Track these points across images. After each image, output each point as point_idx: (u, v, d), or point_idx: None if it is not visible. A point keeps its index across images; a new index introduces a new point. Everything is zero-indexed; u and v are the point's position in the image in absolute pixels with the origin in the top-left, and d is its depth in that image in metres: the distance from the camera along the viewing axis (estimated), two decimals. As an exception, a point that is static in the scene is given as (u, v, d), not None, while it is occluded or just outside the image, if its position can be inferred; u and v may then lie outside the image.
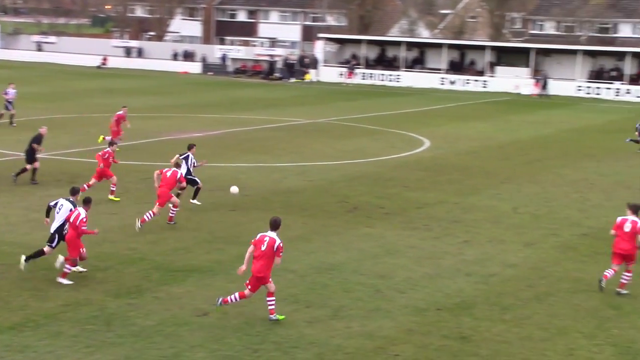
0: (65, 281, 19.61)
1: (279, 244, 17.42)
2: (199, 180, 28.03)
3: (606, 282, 20.50)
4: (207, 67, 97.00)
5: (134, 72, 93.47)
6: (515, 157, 41.80)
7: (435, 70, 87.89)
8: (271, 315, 17.76)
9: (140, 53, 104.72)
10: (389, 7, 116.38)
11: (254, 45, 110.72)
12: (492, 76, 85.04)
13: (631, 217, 20.72)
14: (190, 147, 28.01)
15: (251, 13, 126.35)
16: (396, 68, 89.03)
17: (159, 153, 37.28)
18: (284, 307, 18.53)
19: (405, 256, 23.18)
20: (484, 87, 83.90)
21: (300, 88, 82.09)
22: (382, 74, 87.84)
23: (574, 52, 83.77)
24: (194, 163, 27.75)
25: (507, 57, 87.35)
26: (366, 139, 46.06)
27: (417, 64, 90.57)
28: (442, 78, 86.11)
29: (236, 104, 63.08)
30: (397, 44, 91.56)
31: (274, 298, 17.74)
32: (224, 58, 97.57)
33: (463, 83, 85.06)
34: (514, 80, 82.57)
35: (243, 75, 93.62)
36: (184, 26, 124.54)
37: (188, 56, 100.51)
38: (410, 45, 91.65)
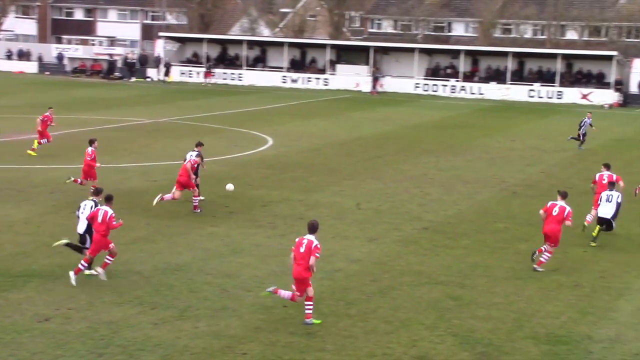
0: (102, 273, 20.23)
1: (316, 244, 17.78)
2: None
3: (540, 268, 22.45)
4: (43, 66, 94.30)
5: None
6: (357, 153, 42.46)
7: (277, 68, 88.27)
8: (307, 320, 17.93)
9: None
10: (229, 5, 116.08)
11: (93, 44, 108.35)
12: (333, 74, 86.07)
13: (560, 203, 22.71)
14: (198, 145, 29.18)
15: (88, 11, 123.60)
16: (238, 67, 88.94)
17: (-5, 155, 36.02)
18: (128, 309, 18.27)
19: (251, 255, 23.22)
20: (325, 85, 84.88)
21: (141, 87, 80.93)
22: (224, 73, 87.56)
23: (411, 50, 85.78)
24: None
25: (347, 55, 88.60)
26: (209, 138, 45.76)
27: (258, 62, 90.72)
28: (284, 76, 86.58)
29: (75, 104, 61.59)
30: (239, 42, 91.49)
31: (312, 303, 17.92)
32: (60, 57, 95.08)
33: (304, 81, 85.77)
34: (354, 78, 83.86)
35: (82, 75, 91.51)
36: (18, 24, 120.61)
37: (23, 55, 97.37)
38: (252, 44, 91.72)
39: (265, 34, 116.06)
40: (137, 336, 16.89)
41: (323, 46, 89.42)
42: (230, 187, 27.84)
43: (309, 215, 27.99)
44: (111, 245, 20.35)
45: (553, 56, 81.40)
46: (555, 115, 66.24)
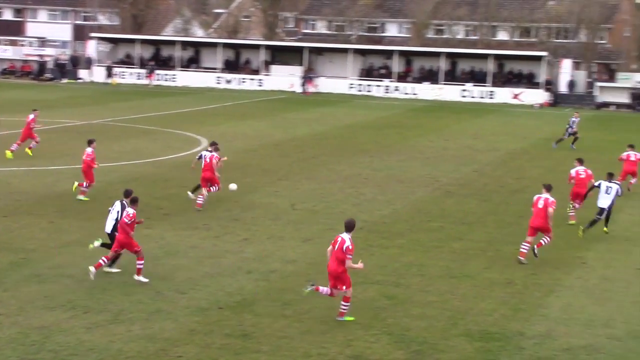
0: (142, 279, 20.60)
1: (348, 245, 18.10)
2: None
3: (524, 260, 23.37)
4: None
5: None
6: (292, 154, 42.48)
7: (211, 69, 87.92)
8: (339, 317, 18.47)
9: None
10: (162, 6, 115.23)
11: (22, 45, 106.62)
12: (267, 75, 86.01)
13: (544, 195, 23.81)
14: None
15: (18, 12, 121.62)
16: (171, 67, 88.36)
17: None
18: (60, 314, 18.04)
19: (186, 257, 23.09)
20: (260, 85, 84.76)
21: (72, 89, 79.93)
22: (158, 74, 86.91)
23: (345, 51, 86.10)
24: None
25: (282, 55, 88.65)
26: (143, 139, 45.49)
27: (192, 63, 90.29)
28: (218, 77, 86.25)
29: (4, 106, 60.59)
30: (172, 43, 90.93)
31: (348, 304, 18.42)
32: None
33: (239, 82, 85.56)
34: (289, 78, 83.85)
35: (12, 76, 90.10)
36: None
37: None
38: (185, 45, 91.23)
39: (198, 34, 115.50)
40: (69, 341, 16.68)
41: (257, 47, 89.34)
42: (233, 186, 28.90)
43: (243, 217, 27.95)
44: (137, 248, 20.81)
45: (485, 57, 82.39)
46: (487, 115, 67.04)
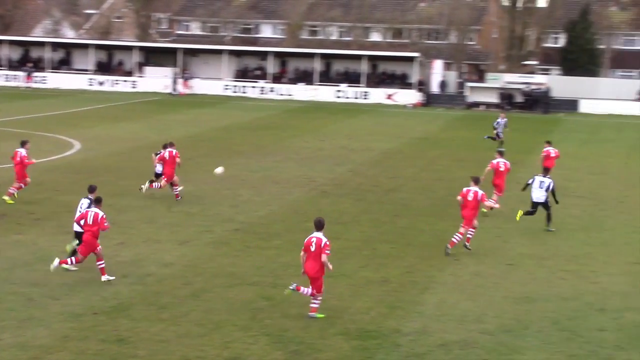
0: (109, 277, 20.89)
1: (325, 242, 18.51)
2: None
3: (451, 249, 24.52)
4: None
5: None
6: (167, 156, 41.95)
7: (83, 71, 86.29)
8: (311, 313, 18.85)
9: None
10: (30, 6, 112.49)
11: None
12: (141, 76, 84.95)
13: (474, 188, 24.73)
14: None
15: None
16: (42, 69, 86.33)
17: None
18: None
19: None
20: (134, 87, 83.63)
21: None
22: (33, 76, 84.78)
23: (219, 52, 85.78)
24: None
25: (156, 57, 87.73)
26: (12, 143, 44.14)
27: (63, 64, 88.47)
28: (90, 79, 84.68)
29: None
30: (42, 44, 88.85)
31: (320, 300, 18.89)
32: None
33: (112, 84, 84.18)
34: (163, 80, 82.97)
35: None
36: None
37: None
38: (56, 46, 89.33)
39: (69, 35, 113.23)
40: (-63, 352, 16.15)
41: (130, 48, 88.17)
42: (219, 170, 30.47)
43: (118, 220, 27.51)
44: (99, 248, 21.03)
45: (358, 58, 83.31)
46: (361, 115, 67.84)
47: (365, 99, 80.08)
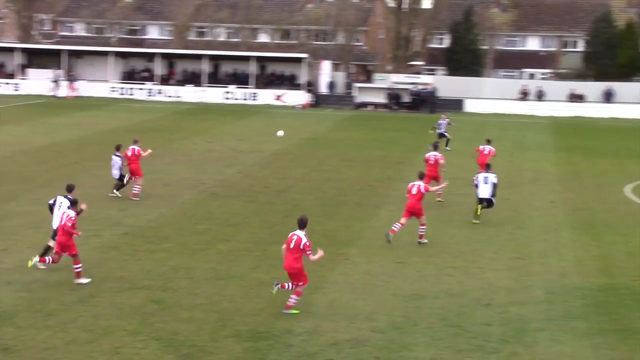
0: (83, 280, 20.99)
1: (305, 242, 18.85)
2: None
3: (393, 236, 25.73)
4: None
5: None
6: (52, 160, 41.24)
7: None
8: (286, 310, 19.23)
9: None
10: None
11: None
12: (24, 79, 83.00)
13: (417, 183, 26.15)
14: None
15: None
16: None
17: None
18: None
19: (-61, 271, 21.90)
20: (16, 90, 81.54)
21: None
22: None
23: (105, 54, 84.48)
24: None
25: (39, 59, 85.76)
26: None
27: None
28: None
29: None
30: None
31: (299, 298, 19.33)
32: None
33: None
34: (47, 82, 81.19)
35: None
36: None
37: None
38: None
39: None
40: None
41: (12, 50, 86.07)
42: (281, 133, 30.61)
43: (2, 226, 26.84)
44: (74, 252, 21.03)
45: (247, 59, 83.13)
46: (251, 117, 67.74)
47: (254, 100, 80.00)
